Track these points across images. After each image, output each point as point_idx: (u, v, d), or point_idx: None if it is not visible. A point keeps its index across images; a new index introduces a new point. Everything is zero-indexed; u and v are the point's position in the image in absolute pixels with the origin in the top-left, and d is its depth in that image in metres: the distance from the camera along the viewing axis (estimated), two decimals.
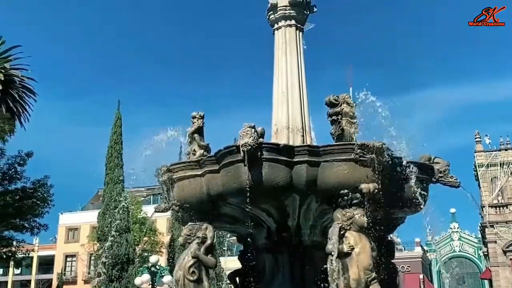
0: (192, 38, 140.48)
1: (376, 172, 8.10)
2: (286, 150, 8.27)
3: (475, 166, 47.59)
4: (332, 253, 7.73)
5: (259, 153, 7.96)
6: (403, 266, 50.35)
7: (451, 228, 55.81)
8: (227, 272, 10.61)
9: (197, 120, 9.52)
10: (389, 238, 10.19)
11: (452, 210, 55.92)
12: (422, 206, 9.03)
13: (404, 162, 8.27)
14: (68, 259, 65.56)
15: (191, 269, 8.56)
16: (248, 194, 7.98)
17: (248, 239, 10.16)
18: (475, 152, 47.92)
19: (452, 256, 54.67)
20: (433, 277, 54.95)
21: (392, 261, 10.05)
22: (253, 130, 7.90)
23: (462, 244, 55.71)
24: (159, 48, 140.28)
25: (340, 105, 8.76)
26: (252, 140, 7.81)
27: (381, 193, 8.13)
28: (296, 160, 8.23)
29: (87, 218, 57.81)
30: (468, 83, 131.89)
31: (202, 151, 9.25)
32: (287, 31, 10.65)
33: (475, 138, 48.51)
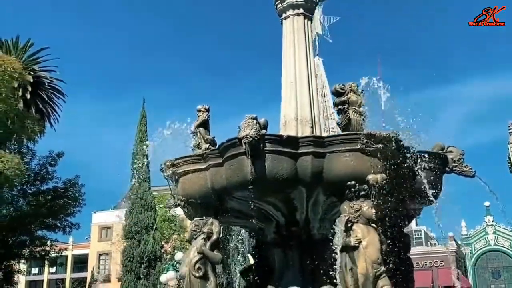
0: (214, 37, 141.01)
1: (384, 163, 7.80)
2: (290, 142, 8.02)
3: (509, 158, 46.35)
4: (337, 247, 7.48)
5: (261, 145, 7.74)
6: (436, 261, 49.53)
7: (486, 222, 54.38)
8: None
9: (202, 113, 9.34)
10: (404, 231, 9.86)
11: (487, 203, 54.60)
12: (434, 197, 8.71)
13: (412, 152, 7.89)
14: (102, 257, 66.10)
15: (197, 265, 8.37)
16: (251, 187, 7.78)
17: (259, 234, 9.96)
18: (508, 144, 46.68)
19: (487, 250, 53.43)
20: (468, 272, 53.85)
21: (408, 254, 9.73)
22: (254, 121, 7.69)
23: (497, 237, 54.24)
24: (187, 50, 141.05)
25: (347, 94, 8.46)
26: (254, 131, 7.59)
27: (389, 184, 7.84)
28: (301, 151, 7.99)
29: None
30: (501, 75, 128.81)
31: (207, 144, 9.06)
32: (295, 20, 10.39)
33: (509, 130, 47.25)
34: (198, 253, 8.42)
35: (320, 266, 8.79)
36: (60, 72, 42.29)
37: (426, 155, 8.44)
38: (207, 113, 9.36)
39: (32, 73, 36.89)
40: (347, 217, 7.69)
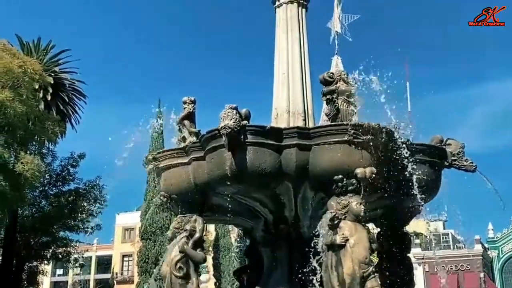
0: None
1: (373, 155, 7.27)
2: (273, 133, 7.55)
3: None
4: (322, 246, 6.98)
5: (242, 137, 7.28)
6: (462, 265, 48.22)
7: None
8: None
9: (188, 105, 8.92)
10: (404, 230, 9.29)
11: None
12: (432, 194, 8.16)
13: (400, 142, 7.31)
14: (125, 258, 66.44)
15: (178, 265, 7.98)
16: (231, 182, 7.34)
17: (250, 233, 9.50)
18: None
19: None
20: (495, 276, 52.43)
21: (408, 255, 9.17)
22: (234, 111, 7.21)
23: None
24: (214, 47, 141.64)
25: (336, 83, 7.92)
26: (233, 122, 7.11)
27: (380, 178, 7.30)
28: (285, 143, 7.51)
29: None
30: None
31: (192, 138, 8.62)
32: (288, 8, 9.89)
33: None
34: (180, 252, 8.01)
35: (310, 266, 8.31)
36: (81, 73, 42.40)
37: (423, 148, 7.90)
38: (193, 105, 8.95)
39: (53, 74, 36.97)
40: (333, 214, 7.17)
